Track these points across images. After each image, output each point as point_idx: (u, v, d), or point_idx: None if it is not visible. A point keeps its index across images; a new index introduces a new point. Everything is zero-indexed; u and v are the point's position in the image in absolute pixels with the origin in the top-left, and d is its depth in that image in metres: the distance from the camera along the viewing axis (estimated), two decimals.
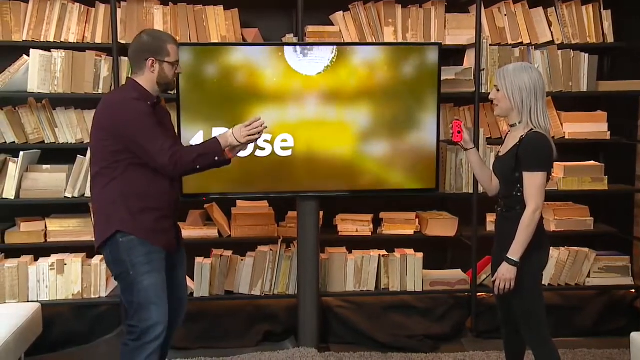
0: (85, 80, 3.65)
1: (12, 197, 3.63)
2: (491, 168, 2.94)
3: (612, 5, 4.05)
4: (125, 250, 2.70)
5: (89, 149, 2.92)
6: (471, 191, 3.91)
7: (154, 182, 2.73)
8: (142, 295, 2.71)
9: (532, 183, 2.62)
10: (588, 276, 4.04)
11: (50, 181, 3.67)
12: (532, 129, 2.66)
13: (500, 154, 2.82)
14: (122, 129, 2.65)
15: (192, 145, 3.00)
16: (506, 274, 2.64)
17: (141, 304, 2.71)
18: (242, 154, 3.03)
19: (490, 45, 3.87)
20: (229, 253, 3.91)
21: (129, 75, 2.84)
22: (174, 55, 2.78)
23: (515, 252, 2.63)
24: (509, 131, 2.81)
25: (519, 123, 2.70)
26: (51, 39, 3.67)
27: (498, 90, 2.72)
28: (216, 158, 2.76)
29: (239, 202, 4.01)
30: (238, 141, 2.77)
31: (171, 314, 2.80)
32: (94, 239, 2.82)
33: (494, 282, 2.71)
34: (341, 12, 3.89)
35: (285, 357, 3.66)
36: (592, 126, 4.02)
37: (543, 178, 2.63)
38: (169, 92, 2.94)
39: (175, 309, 2.87)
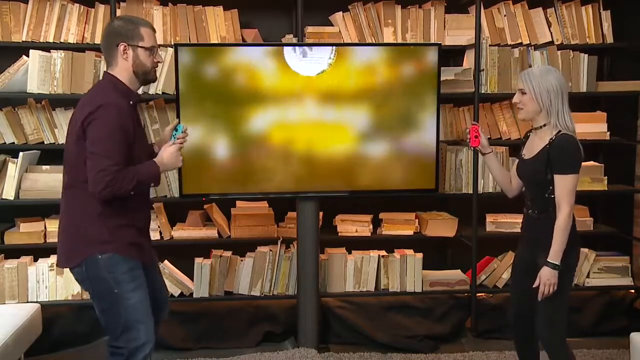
0: (84, 81, 3.65)
1: (12, 198, 3.63)
2: (513, 171, 2.91)
3: (611, 5, 4.06)
4: (105, 267, 2.50)
5: (64, 153, 2.59)
6: (471, 191, 3.91)
7: (133, 197, 2.53)
8: (129, 314, 2.52)
9: (565, 186, 2.61)
10: (588, 276, 4.03)
11: (50, 182, 3.67)
12: (559, 131, 2.65)
13: (525, 157, 2.80)
14: (87, 132, 2.43)
15: (130, 170, 2.50)
16: (551, 278, 2.62)
17: (129, 323, 2.52)
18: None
19: (490, 45, 3.87)
20: (228, 253, 3.91)
21: (106, 69, 2.61)
22: (148, 40, 2.56)
23: (555, 255, 2.62)
24: (531, 134, 2.80)
25: (544, 126, 2.69)
26: (51, 40, 3.68)
27: (524, 94, 2.69)
28: (152, 185, 2.58)
29: (238, 203, 4.00)
30: (171, 164, 2.62)
31: (155, 314, 2.65)
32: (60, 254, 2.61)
33: (533, 287, 2.66)
34: (341, 13, 3.89)
35: (285, 358, 3.65)
36: (591, 126, 4.01)
37: (575, 180, 2.62)
38: (151, 82, 2.72)
39: (159, 307, 2.74)
